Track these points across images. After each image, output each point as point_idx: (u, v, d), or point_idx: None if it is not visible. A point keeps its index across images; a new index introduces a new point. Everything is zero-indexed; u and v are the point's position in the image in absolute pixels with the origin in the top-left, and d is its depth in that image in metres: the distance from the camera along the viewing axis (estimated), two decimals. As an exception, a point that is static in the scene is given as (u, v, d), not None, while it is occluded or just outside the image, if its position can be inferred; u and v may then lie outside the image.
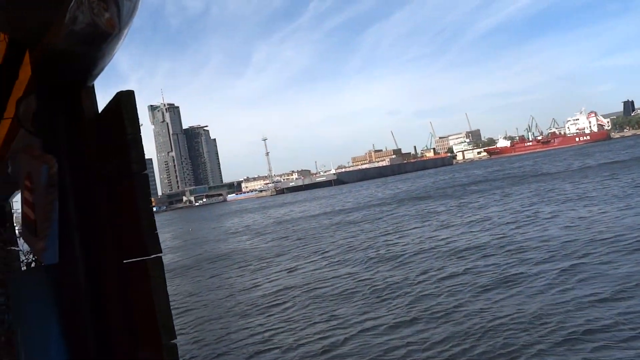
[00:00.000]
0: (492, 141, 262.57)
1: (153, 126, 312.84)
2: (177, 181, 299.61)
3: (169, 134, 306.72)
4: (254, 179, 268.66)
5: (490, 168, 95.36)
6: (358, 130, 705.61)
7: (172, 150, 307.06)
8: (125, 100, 1.73)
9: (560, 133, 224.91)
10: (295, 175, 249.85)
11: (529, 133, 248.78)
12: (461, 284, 13.21)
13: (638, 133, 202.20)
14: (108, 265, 1.93)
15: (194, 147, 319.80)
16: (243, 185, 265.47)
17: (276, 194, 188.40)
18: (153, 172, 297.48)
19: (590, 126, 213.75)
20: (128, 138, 1.71)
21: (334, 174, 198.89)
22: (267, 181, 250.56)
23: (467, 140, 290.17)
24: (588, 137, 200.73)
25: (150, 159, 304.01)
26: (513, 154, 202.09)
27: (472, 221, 24.98)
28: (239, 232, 42.40)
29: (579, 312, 9.73)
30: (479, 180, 61.07)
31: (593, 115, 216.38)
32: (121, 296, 1.86)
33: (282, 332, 11.62)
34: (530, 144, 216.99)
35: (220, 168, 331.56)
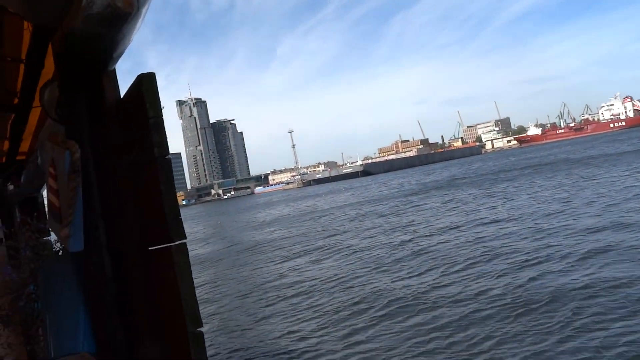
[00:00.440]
0: (522, 129, 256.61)
1: (181, 121, 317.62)
2: (206, 175, 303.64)
3: (197, 128, 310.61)
4: (281, 172, 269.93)
5: (520, 156, 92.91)
6: (385, 120, 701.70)
7: (200, 144, 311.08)
8: (147, 83, 1.68)
9: (593, 119, 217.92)
10: (321, 167, 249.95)
11: (561, 120, 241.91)
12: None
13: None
14: (132, 252, 1.90)
15: (221, 140, 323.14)
16: (270, 177, 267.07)
17: (303, 186, 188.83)
18: (182, 166, 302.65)
19: (625, 112, 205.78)
20: (150, 122, 1.66)
21: (360, 165, 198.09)
22: (294, 173, 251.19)
23: (497, 128, 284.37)
24: (623, 123, 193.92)
25: (179, 153, 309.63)
26: (545, 141, 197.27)
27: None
28: (267, 224, 42.73)
29: None
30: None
31: (629, 100, 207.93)
32: (146, 283, 1.83)
33: (307, 321, 11.67)
34: (562, 131, 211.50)
35: (247, 161, 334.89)
